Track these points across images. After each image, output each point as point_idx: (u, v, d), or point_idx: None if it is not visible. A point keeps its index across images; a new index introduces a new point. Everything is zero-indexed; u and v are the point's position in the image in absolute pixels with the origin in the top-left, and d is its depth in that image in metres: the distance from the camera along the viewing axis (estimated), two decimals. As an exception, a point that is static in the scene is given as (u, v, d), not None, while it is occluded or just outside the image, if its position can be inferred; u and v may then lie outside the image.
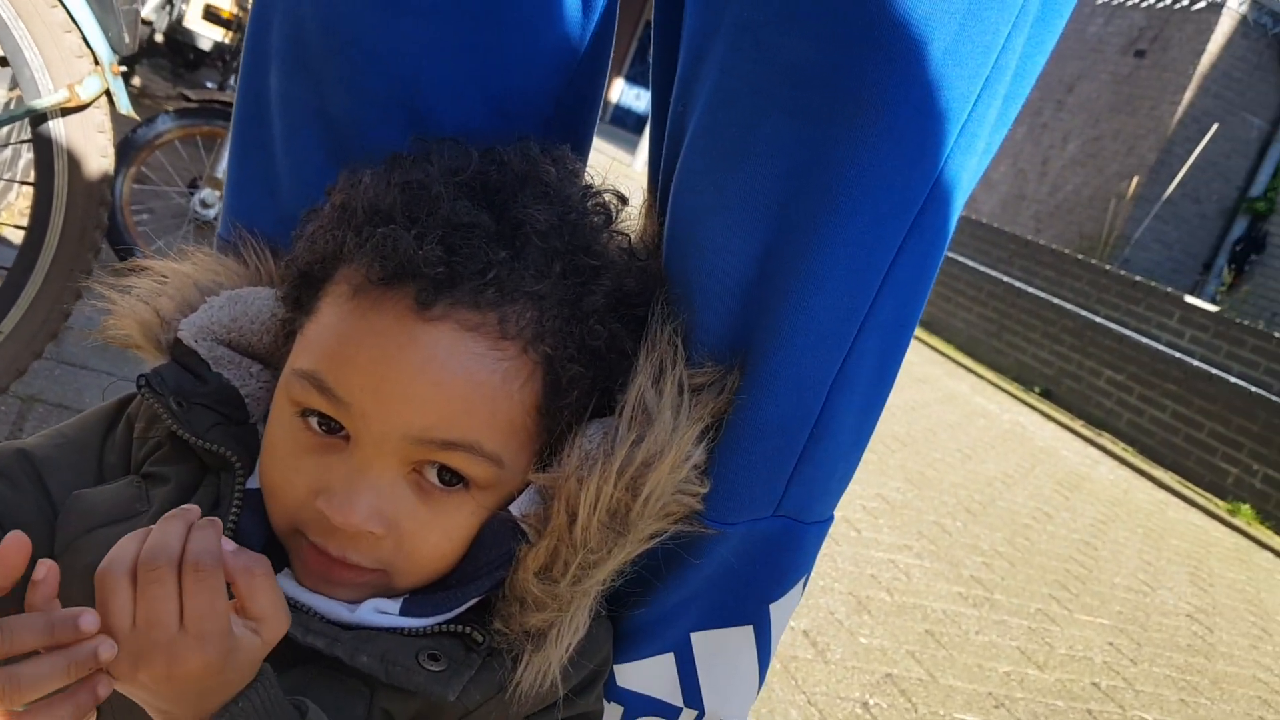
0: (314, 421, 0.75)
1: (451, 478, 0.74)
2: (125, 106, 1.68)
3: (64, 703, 0.61)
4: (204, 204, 3.34)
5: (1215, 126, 11.36)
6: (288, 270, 0.83)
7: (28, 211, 3.47)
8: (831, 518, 0.93)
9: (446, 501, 0.75)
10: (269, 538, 0.79)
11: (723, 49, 0.79)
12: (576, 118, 0.96)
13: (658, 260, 0.88)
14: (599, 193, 0.85)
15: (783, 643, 2.78)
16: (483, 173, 0.78)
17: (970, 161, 0.79)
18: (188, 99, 3.25)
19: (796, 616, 2.96)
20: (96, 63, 1.60)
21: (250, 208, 0.98)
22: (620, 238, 0.85)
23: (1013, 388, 8.72)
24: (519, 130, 0.89)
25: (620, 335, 0.80)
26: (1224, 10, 11.09)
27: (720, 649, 0.91)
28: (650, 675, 0.91)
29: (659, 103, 0.94)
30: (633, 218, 0.89)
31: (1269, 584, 5.53)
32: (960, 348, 9.75)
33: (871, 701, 2.70)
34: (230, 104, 3.23)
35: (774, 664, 2.65)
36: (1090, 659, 3.51)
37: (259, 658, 0.68)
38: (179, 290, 0.88)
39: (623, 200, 0.87)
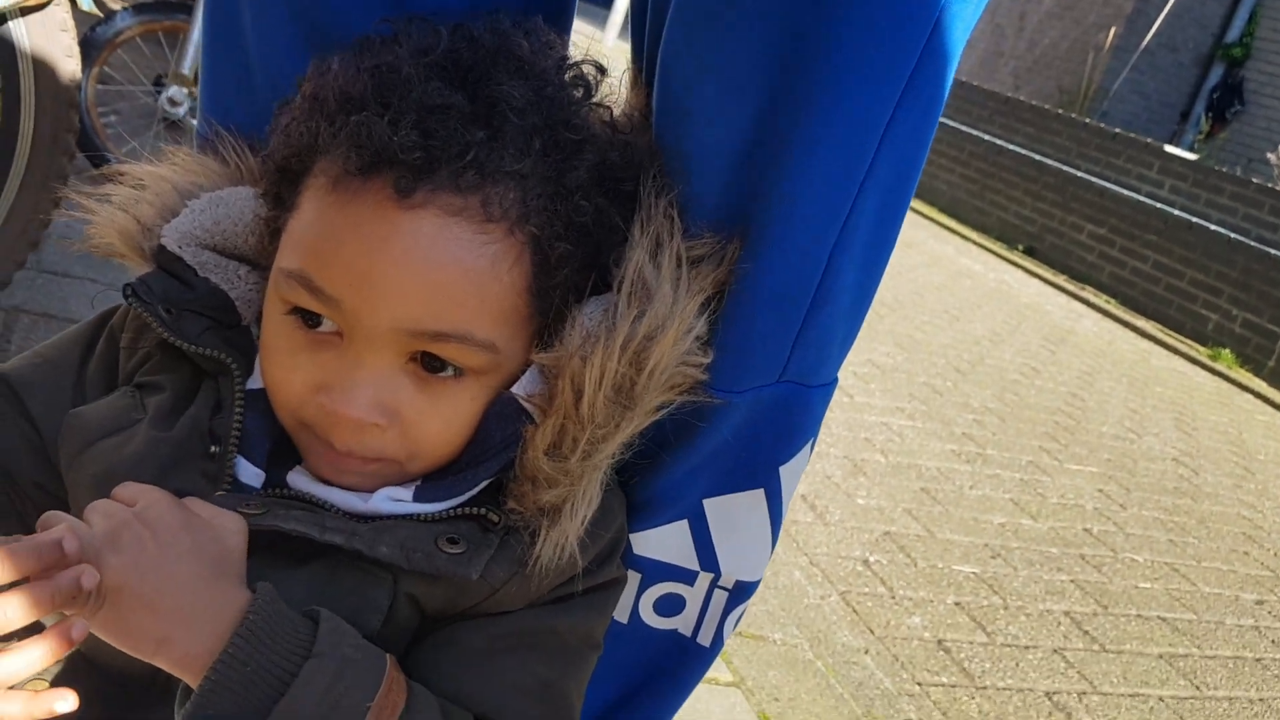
0: (306, 320, 0.74)
1: (448, 367, 0.74)
2: (87, 3, 1.63)
3: (37, 643, 0.60)
4: (172, 102, 3.26)
5: (1193, -30, 11.15)
6: (266, 166, 0.82)
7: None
8: (836, 380, 0.93)
9: (445, 389, 0.75)
10: (275, 435, 0.79)
11: None
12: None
13: (645, 134, 0.86)
14: (576, 65, 0.83)
15: (781, 508, 2.84)
16: (453, 51, 0.76)
17: (965, 11, 0.78)
18: (145, -7, 3.15)
19: (793, 482, 3.02)
20: (53, -42, 1.55)
21: (225, 104, 0.96)
22: (602, 110, 0.83)
23: (996, 247, 8.72)
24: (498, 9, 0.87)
25: (607, 210, 0.79)
26: None
27: (732, 513, 0.93)
28: (666, 542, 0.93)
29: None
30: (615, 90, 0.87)
31: (1250, 425, 5.63)
32: (944, 210, 9.71)
33: (872, 559, 2.76)
34: (189, -3, 3.14)
35: (774, 529, 2.71)
36: (1081, 506, 3.60)
37: (233, 543, 0.71)
38: (158, 195, 0.87)
39: (602, 71, 0.85)
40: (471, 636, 0.77)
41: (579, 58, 0.84)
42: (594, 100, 0.82)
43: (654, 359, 0.76)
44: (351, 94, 0.73)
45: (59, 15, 1.56)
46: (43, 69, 1.58)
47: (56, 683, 0.80)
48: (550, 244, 0.75)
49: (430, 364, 0.74)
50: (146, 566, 0.66)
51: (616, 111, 0.85)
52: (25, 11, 1.55)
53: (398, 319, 0.71)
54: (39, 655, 0.60)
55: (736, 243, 0.81)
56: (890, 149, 0.80)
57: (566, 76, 0.81)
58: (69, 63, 1.59)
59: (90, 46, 3.06)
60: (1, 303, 2.25)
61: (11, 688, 0.60)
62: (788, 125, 0.77)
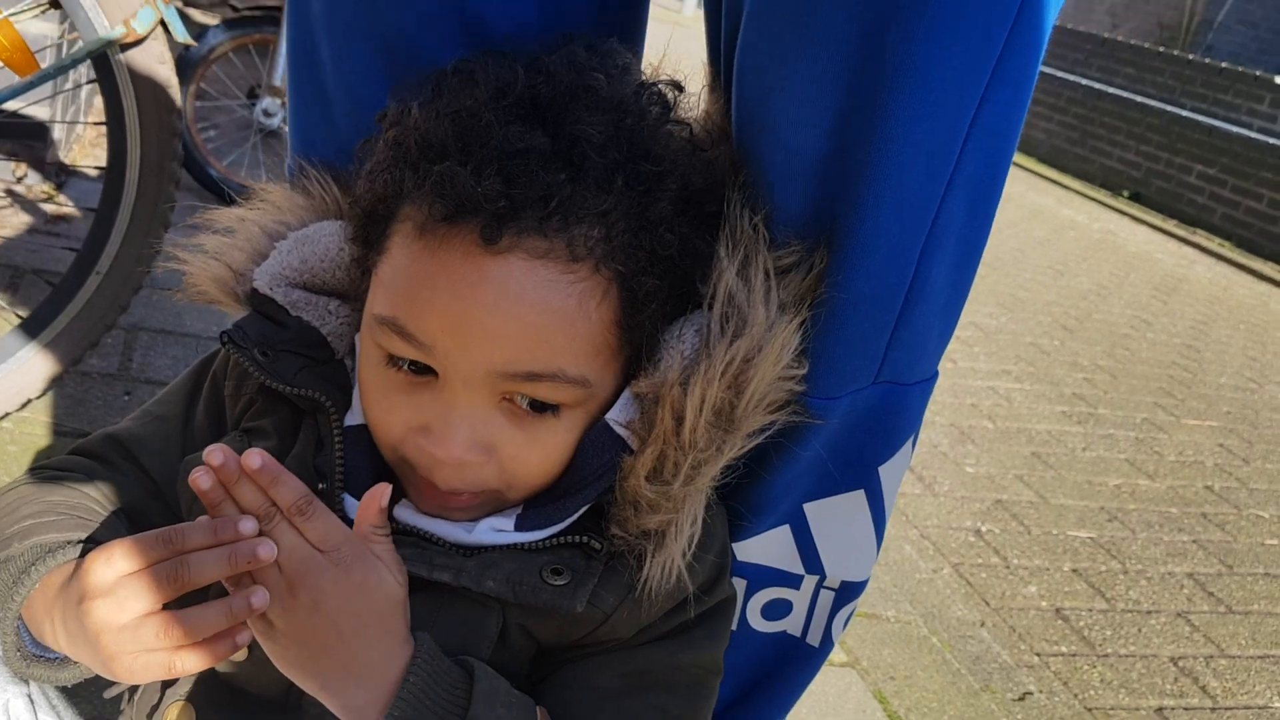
0: (401, 364, 0.76)
1: (541, 404, 0.75)
2: (182, 34, 1.68)
3: (220, 605, 0.68)
4: (267, 113, 3.35)
5: (1299, -113, 10.62)
6: (353, 211, 0.83)
7: (97, 144, 3.52)
8: (935, 374, 0.93)
9: (539, 424, 0.76)
10: (379, 470, 0.81)
11: None
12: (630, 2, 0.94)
13: (726, 144, 0.86)
14: (653, 84, 0.83)
15: (889, 481, 2.82)
16: (531, 89, 0.76)
17: None
18: (234, 8, 3.23)
19: (900, 454, 2.99)
20: (147, -6, 1.60)
21: (310, 137, 0.98)
22: (681, 128, 0.82)
23: (1100, 195, 8.47)
24: (573, 23, 0.87)
25: (691, 239, 0.78)
26: None
27: (834, 515, 0.93)
28: (769, 547, 0.94)
29: None
30: (694, 95, 0.86)
31: (1383, 366, 5.39)
32: (1042, 159, 9.46)
33: (984, 529, 2.73)
34: (278, 8, 3.21)
35: (882, 503, 2.69)
36: (1201, 463, 3.49)
37: (398, 596, 0.73)
38: (247, 240, 0.90)
39: (679, 89, 0.84)
40: (600, 678, 0.80)
41: (655, 78, 0.84)
42: (673, 118, 0.82)
43: (754, 382, 0.76)
44: (433, 141, 0.74)
45: (156, 48, 1.62)
46: (145, 102, 1.64)
47: (196, 698, 0.85)
48: (636, 280, 0.75)
49: (524, 403, 0.75)
50: (337, 608, 0.69)
51: (696, 125, 0.84)
52: (125, 48, 1.61)
53: (491, 362, 0.72)
54: (221, 611, 0.68)
55: (823, 250, 0.81)
56: (977, 143, 0.79)
57: (644, 102, 0.81)
58: (169, 93, 1.65)
59: (186, 65, 3.15)
60: (121, 323, 2.34)
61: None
62: (868, 129, 0.77)
